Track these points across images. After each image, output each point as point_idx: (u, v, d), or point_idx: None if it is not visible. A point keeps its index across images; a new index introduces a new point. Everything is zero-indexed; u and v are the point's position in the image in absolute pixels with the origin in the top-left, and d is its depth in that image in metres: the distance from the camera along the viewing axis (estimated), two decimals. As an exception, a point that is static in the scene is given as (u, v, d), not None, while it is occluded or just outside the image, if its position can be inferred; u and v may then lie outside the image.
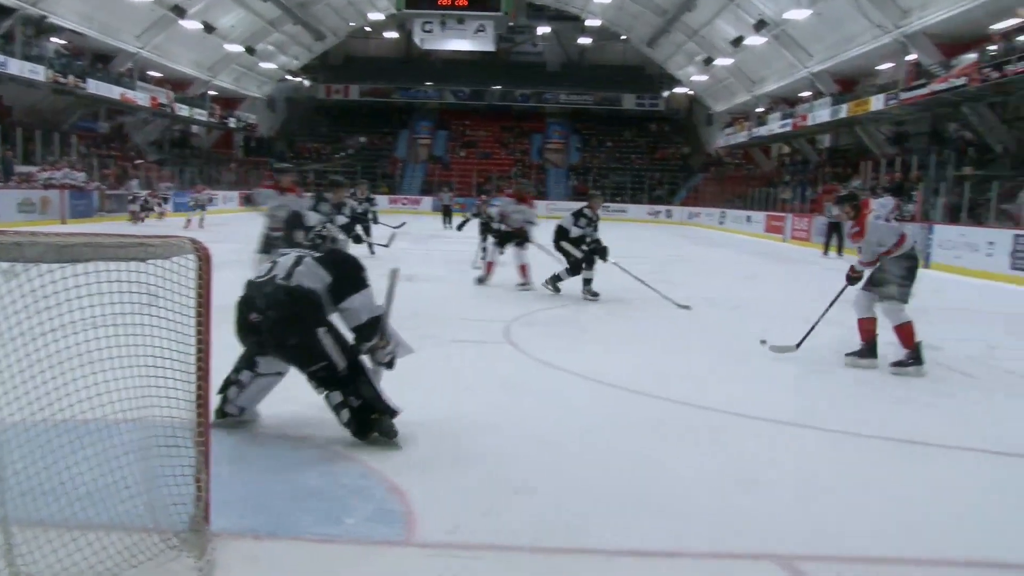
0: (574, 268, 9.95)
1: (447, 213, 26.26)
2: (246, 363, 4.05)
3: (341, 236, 7.69)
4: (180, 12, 28.26)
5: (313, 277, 3.92)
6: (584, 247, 9.88)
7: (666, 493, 3.55)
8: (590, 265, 9.90)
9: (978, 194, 17.58)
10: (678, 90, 43.30)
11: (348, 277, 3.96)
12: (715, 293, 11.15)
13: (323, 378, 3.85)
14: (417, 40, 42.65)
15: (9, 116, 25.41)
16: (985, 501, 3.62)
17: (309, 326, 3.82)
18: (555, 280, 10.19)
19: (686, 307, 9.24)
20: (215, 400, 3.45)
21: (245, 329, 3.92)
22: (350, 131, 45.42)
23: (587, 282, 9.93)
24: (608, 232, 11.32)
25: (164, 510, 2.79)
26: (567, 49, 46.42)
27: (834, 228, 19.03)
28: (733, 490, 3.61)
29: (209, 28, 30.00)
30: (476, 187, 35.24)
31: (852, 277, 6.40)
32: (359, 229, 12.88)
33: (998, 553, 3.07)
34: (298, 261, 3.98)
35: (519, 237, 10.76)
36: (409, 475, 3.55)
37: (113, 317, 2.68)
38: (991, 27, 20.57)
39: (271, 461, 3.68)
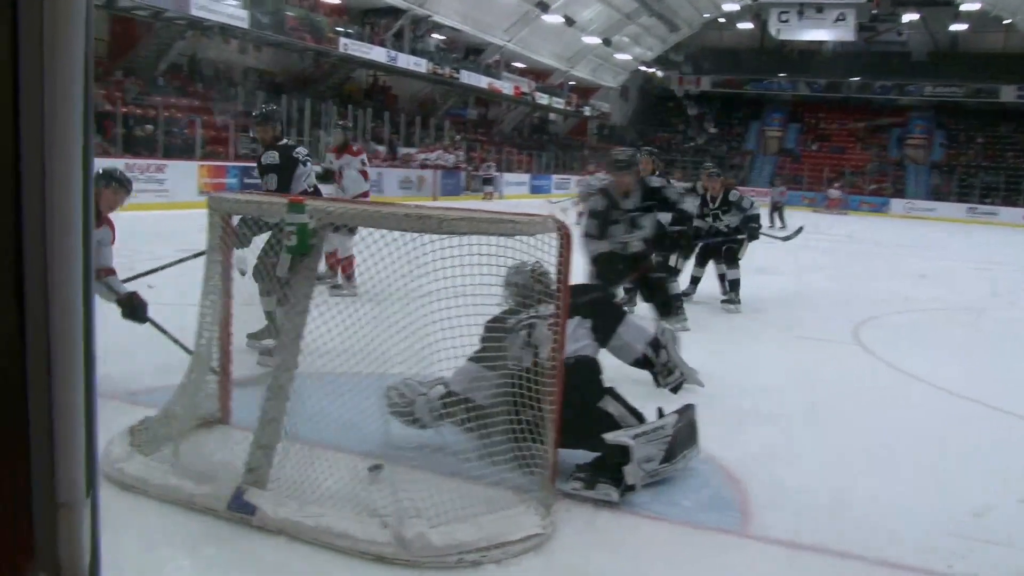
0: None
1: (775, 209, 22.14)
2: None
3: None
4: (544, 7, 30.15)
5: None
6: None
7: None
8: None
9: None
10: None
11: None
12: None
13: None
14: (773, 31, 41.51)
15: (396, 104, 28.88)
16: None
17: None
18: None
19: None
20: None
21: None
22: (701, 122, 45.25)
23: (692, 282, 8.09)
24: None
25: (519, 471, 3.04)
26: (935, 37, 42.05)
27: None
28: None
29: (569, 21, 31.71)
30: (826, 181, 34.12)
31: None
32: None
33: None
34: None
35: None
36: (748, 465, 3.51)
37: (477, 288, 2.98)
38: None
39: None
